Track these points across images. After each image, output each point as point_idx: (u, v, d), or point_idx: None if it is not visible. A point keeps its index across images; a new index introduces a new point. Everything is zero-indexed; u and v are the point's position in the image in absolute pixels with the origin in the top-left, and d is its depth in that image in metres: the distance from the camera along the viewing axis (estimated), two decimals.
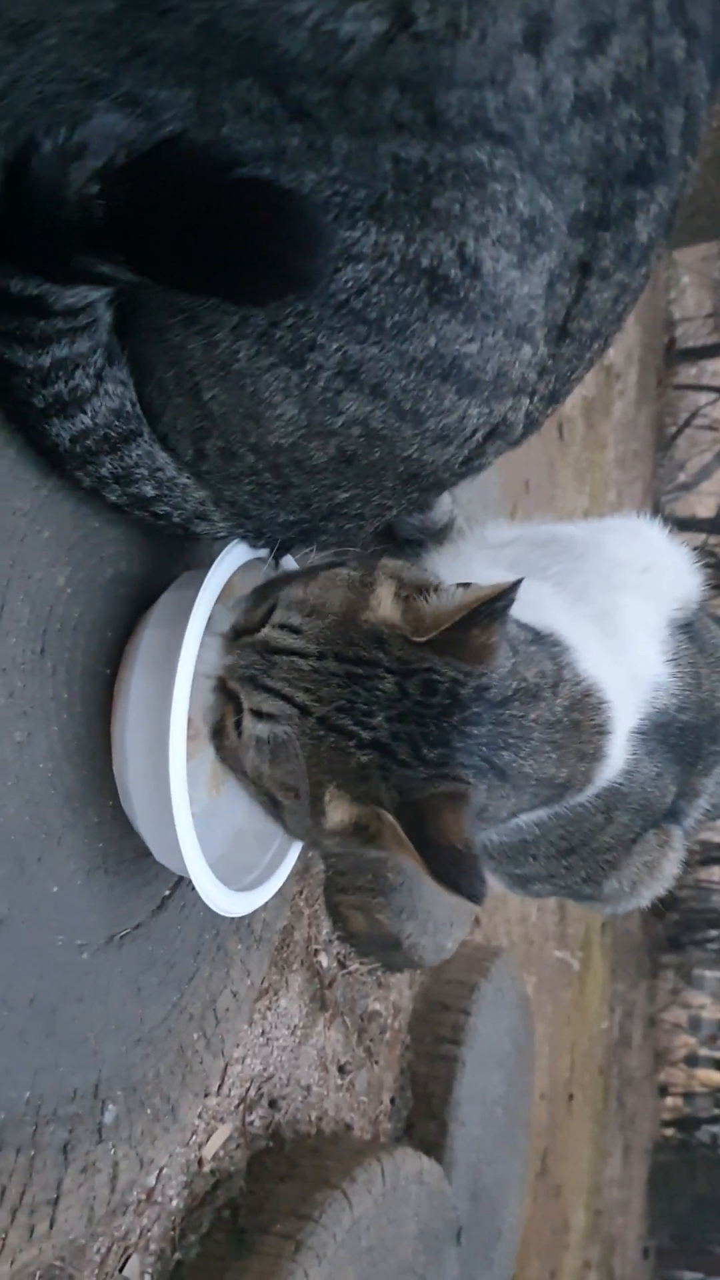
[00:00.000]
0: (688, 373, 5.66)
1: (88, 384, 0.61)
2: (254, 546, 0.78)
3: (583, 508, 3.02)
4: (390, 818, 0.67)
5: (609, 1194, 4.26)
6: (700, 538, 5.86)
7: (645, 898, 1.01)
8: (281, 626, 0.68)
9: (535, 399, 0.70)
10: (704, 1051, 6.47)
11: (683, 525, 5.93)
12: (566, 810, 0.86)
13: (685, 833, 1.01)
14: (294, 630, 0.68)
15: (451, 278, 0.56)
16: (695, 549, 1.08)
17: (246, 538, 0.77)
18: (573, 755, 0.80)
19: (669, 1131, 5.99)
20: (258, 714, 0.68)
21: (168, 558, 0.78)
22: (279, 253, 0.49)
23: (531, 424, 0.73)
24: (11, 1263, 0.67)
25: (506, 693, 0.70)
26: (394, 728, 0.66)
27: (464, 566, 0.96)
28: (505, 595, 0.67)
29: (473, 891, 0.65)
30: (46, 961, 0.70)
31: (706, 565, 1.06)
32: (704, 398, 5.89)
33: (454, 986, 1.63)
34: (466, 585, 0.71)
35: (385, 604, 0.68)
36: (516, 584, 0.66)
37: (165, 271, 0.52)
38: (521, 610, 0.81)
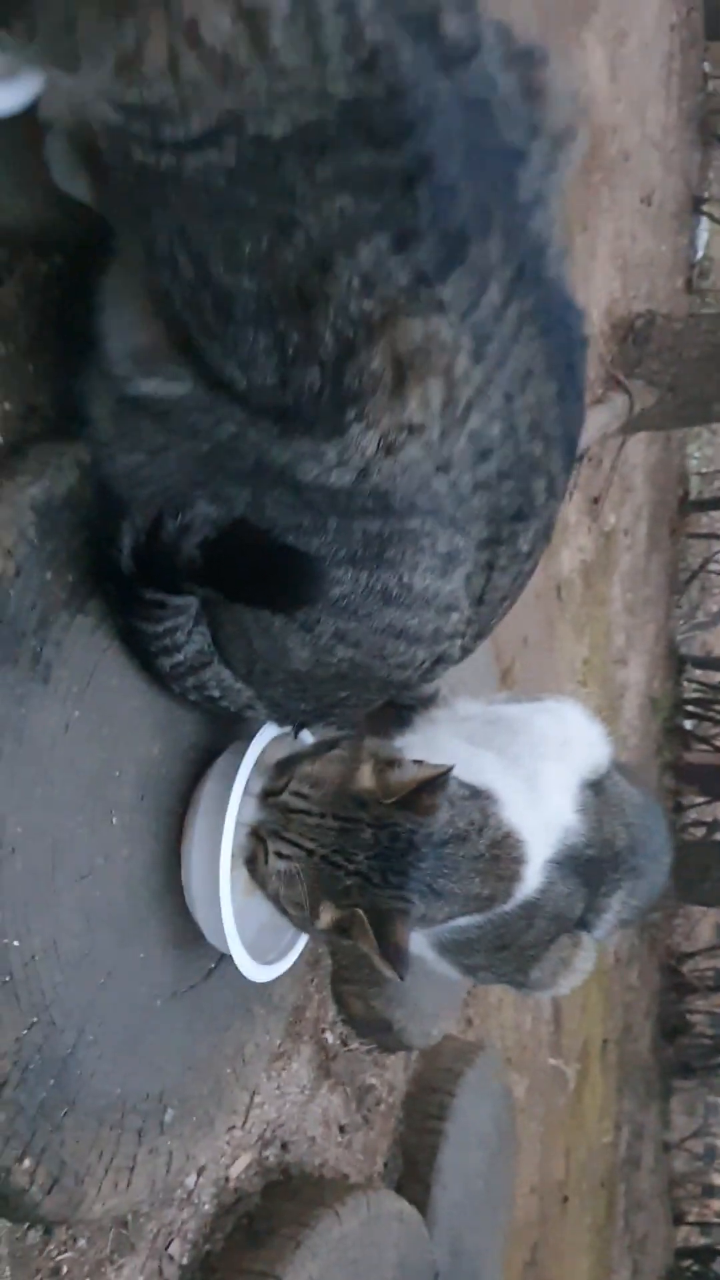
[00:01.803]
0: (700, 521, 6.05)
1: (182, 638, 1.00)
2: (282, 725, 1.16)
3: (582, 657, 3.39)
4: (363, 916, 1.04)
5: None
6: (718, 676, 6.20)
7: (564, 987, 1.36)
8: (296, 793, 1.05)
9: (466, 639, 1.08)
10: None
11: (699, 664, 6.27)
12: (497, 917, 1.22)
13: (595, 939, 1.36)
14: (304, 797, 1.05)
15: (397, 593, 0.95)
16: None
17: (277, 719, 1.15)
18: (494, 878, 1.16)
19: (685, 1262, 6.04)
20: (278, 854, 1.05)
21: (224, 732, 1.16)
22: (296, 586, 0.89)
23: (466, 651, 1.11)
24: (103, 1204, 1.02)
25: (445, 837, 1.07)
26: (370, 863, 1.03)
27: (435, 735, 1.34)
28: (444, 775, 1.04)
29: (399, 973, 1.02)
30: (135, 1005, 1.06)
31: None
32: (718, 544, 6.27)
33: (442, 1073, 1.94)
34: (420, 762, 1.08)
35: (365, 776, 1.05)
36: (450, 769, 1.04)
37: (236, 595, 0.92)
38: (469, 772, 1.19)
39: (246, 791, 1.08)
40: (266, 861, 1.07)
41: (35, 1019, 0.93)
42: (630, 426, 3.24)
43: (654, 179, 4.24)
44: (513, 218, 0.87)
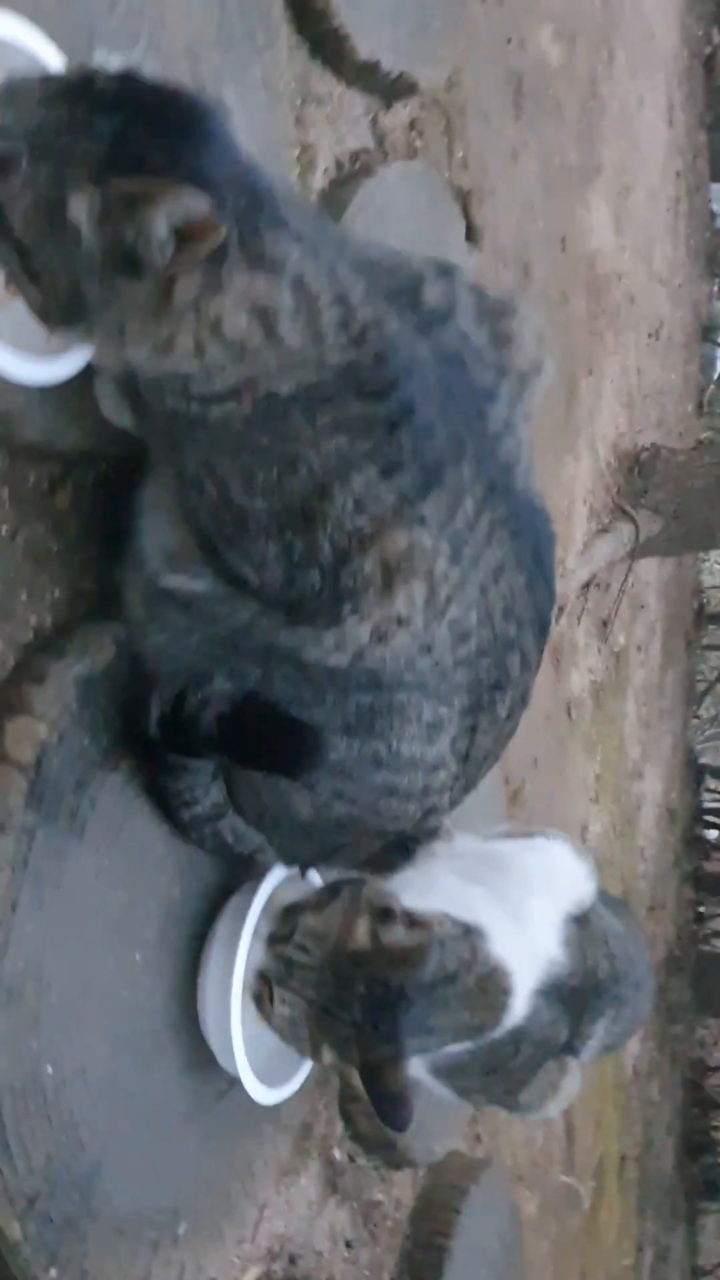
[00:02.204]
0: (716, 634, 6.17)
1: (201, 793, 1.14)
2: (290, 867, 1.29)
3: (595, 773, 3.50)
4: (355, 1075, 1.17)
5: None
6: None
7: (552, 1110, 1.46)
8: (299, 946, 1.17)
9: (454, 792, 1.21)
10: None
11: (717, 774, 6.34)
12: (486, 1043, 1.32)
13: (580, 1064, 1.46)
14: (305, 950, 1.17)
15: (385, 757, 1.08)
16: None
17: (286, 861, 1.28)
18: (483, 1009, 1.27)
19: None
20: (283, 1000, 1.17)
21: (237, 872, 1.29)
22: (299, 756, 1.03)
23: (455, 803, 1.24)
24: None
25: (434, 980, 1.19)
26: (364, 1014, 1.15)
27: (433, 870, 1.46)
28: (429, 944, 1.16)
29: (396, 1124, 1.13)
30: (153, 1124, 1.17)
31: None
32: None
33: (448, 1189, 2.01)
34: (411, 917, 1.18)
35: (361, 934, 1.16)
36: (430, 947, 1.15)
37: (247, 763, 1.07)
38: (461, 907, 1.31)
39: (256, 933, 1.20)
40: (272, 1003, 1.18)
41: (64, 1138, 1.04)
42: (637, 553, 3.40)
43: (662, 313, 4.47)
44: (483, 445, 1.03)
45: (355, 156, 1.75)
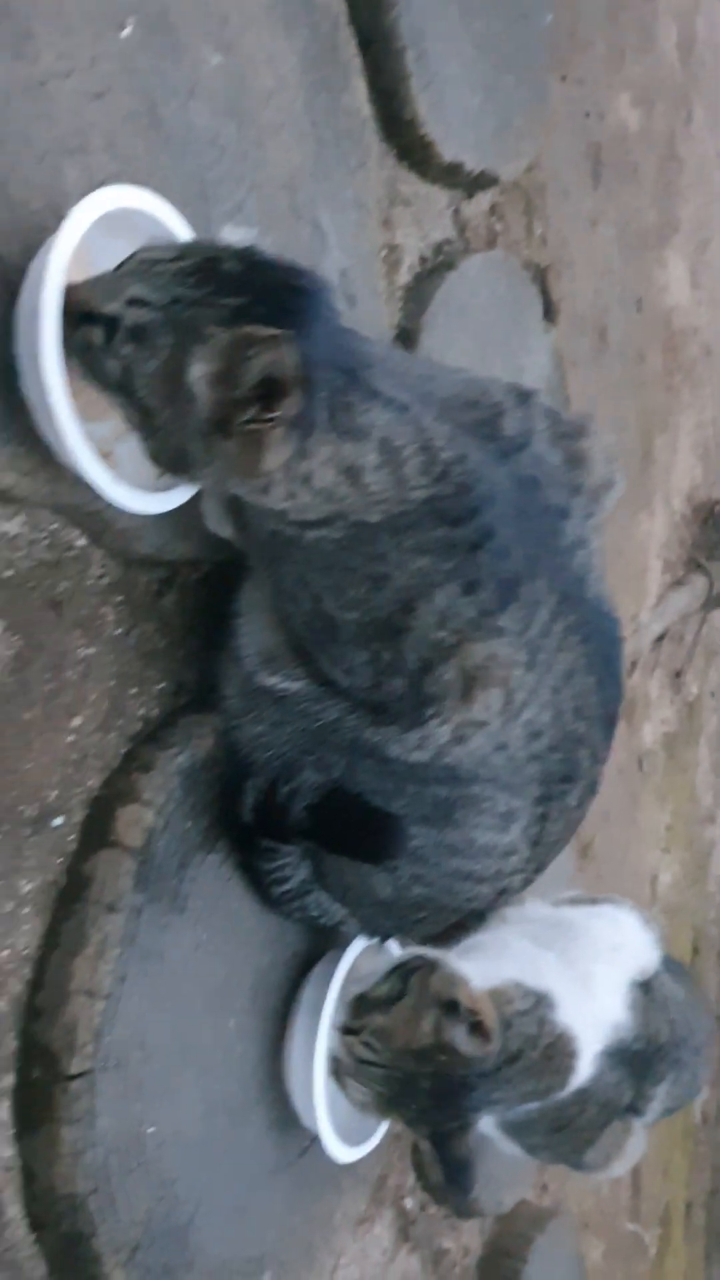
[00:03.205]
0: None
1: (290, 871, 1.23)
2: (370, 938, 1.37)
3: (665, 824, 3.52)
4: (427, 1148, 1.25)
5: None
6: None
7: (616, 1170, 1.52)
8: (366, 1044, 1.25)
9: (526, 874, 1.28)
10: None
11: None
12: (553, 1103, 1.39)
13: (644, 1124, 1.52)
14: (373, 1049, 1.24)
15: (460, 845, 1.16)
16: None
17: (366, 933, 1.36)
18: (550, 1074, 1.34)
19: None
20: (355, 1089, 1.25)
21: (321, 941, 1.38)
22: (382, 845, 1.12)
23: (527, 883, 1.31)
24: None
25: (499, 1064, 1.26)
26: (430, 1103, 1.22)
27: (504, 935, 1.53)
28: (488, 1056, 1.22)
29: (460, 1188, 1.21)
30: (242, 1179, 1.26)
31: None
32: None
33: (515, 1238, 2.07)
34: (474, 1016, 1.24)
35: (426, 1029, 1.23)
36: (491, 1055, 1.22)
37: (335, 849, 1.16)
38: (531, 973, 1.38)
39: (339, 1000, 1.29)
40: (345, 1085, 1.27)
41: (162, 1194, 1.14)
42: (710, 605, 3.43)
43: None
44: (556, 559, 1.11)
45: (438, 249, 1.84)
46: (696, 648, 3.57)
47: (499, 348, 1.86)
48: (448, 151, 1.70)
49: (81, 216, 0.93)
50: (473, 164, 1.77)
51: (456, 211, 1.93)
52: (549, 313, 2.23)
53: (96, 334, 0.93)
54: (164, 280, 0.91)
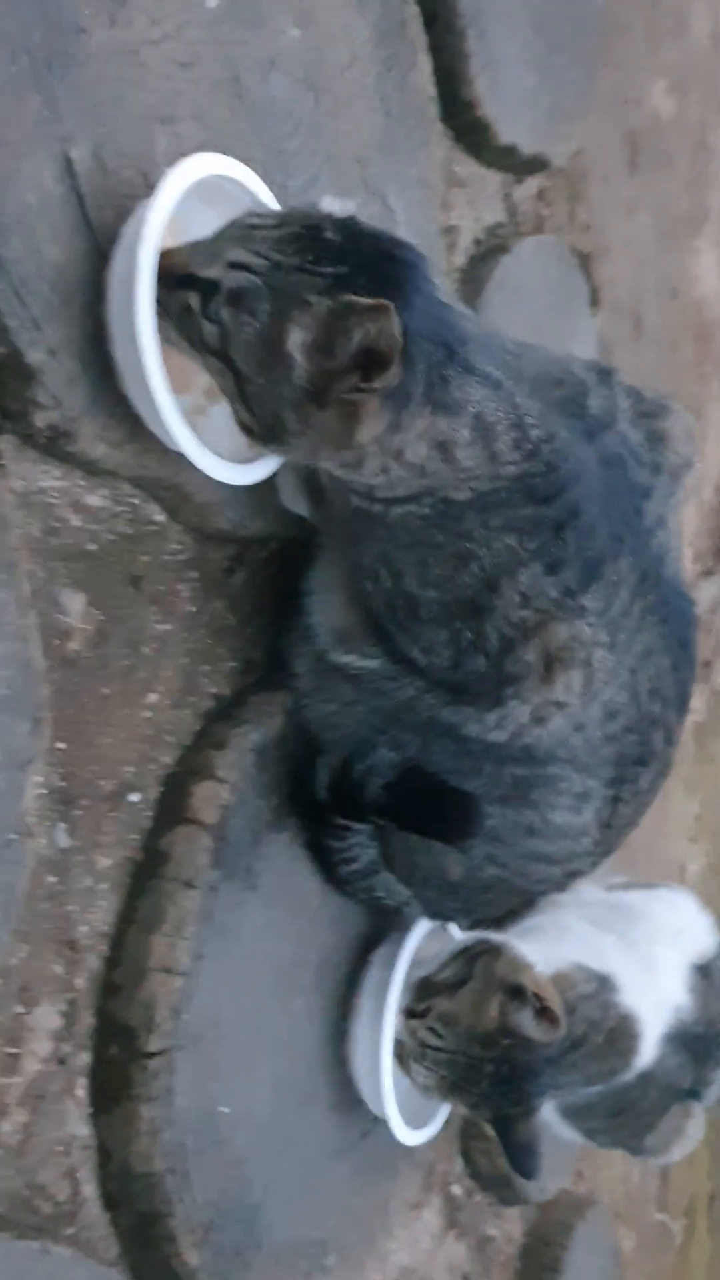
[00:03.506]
0: None
1: (359, 851, 1.22)
2: (433, 920, 1.36)
3: (694, 814, 3.51)
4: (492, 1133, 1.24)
5: None
6: None
7: (676, 1154, 1.52)
8: (431, 1029, 1.24)
9: (595, 856, 1.27)
10: None
11: None
12: (615, 1087, 1.39)
13: (704, 1108, 1.52)
14: (438, 1034, 1.23)
15: (537, 825, 1.15)
16: None
17: (430, 915, 1.35)
18: (614, 1055, 1.33)
19: None
20: (418, 1073, 1.24)
21: (384, 923, 1.37)
22: (461, 825, 1.11)
23: (595, 865, 1.30)
24: None
25: (563, 1049, 1.25)
26: (492, 1088, 1.21)
27: (562, 919, 1.52)
28: (554, 1042, 1.22)
29: (526, 1172, 1.20)
30: (307, 1161, 1.25)
31: None
32: None
33: (556, 1226, 2.06)
34: (540, 1001, 1.23)
35: (492, 1014, 1.22)
36: (556, 1040, 1.21)
37: (411, 829, 1.14)
38: (593, 956, 1.37)
39: (398, 1001, 1.28)
40: (409, 1067, 1.26)
41: (234, 1174, 1.13)
42: None
43: None
44: (638, 539, 1.10)
45: (491, 231, 1.83)
46: None
47: (550, 332, 1.85)
48: (504, 133, 1.69)
49: (179, 179, 0.92)
50: (526, 146, 1.76)
51: (507, 195, 1.91)
52: (594, 299, 2.22)
53: (194, 298, 0.91)
54: (265, 246, 0.90)
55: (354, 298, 0.88)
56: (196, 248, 0.92)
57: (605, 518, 1.06)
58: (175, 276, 0.92)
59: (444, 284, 1.50)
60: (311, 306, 0.89)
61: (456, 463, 0.98)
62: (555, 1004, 1.23)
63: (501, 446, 0.98)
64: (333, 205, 0.93)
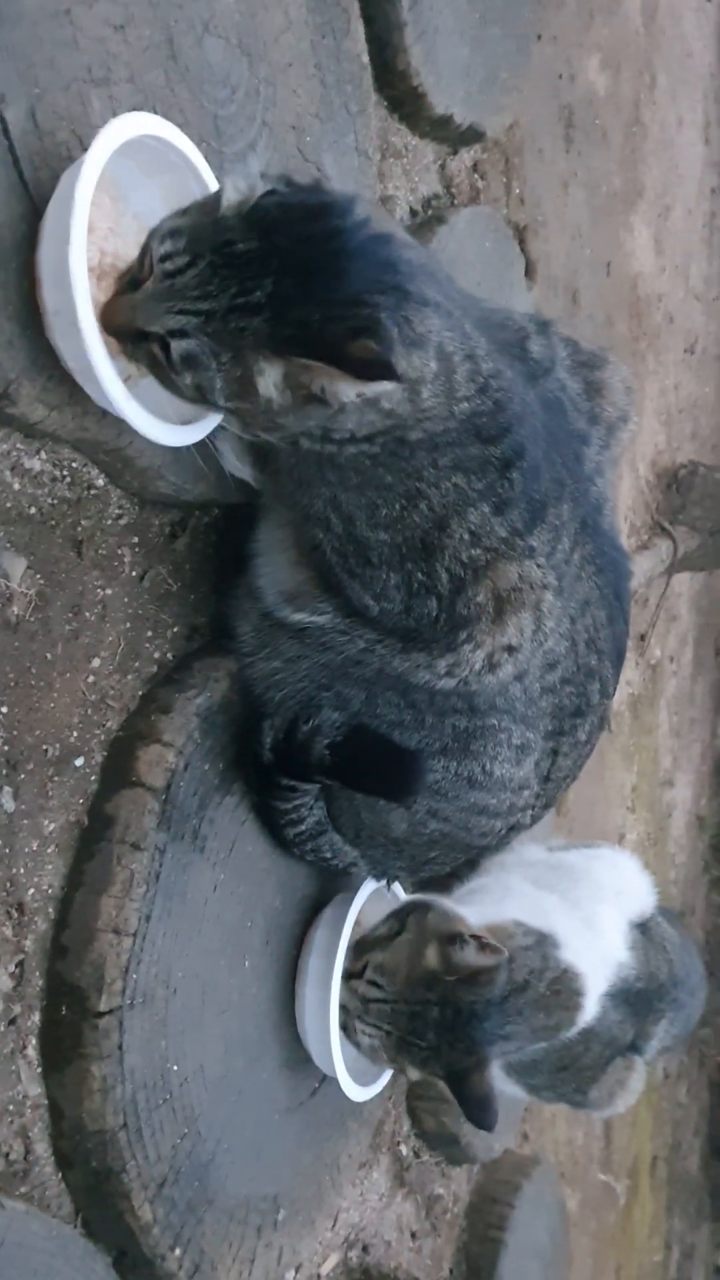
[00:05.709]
0: None
1: (305, 812, 1.24)
2: (379, 880, 1.38)
3: (630, 784, 3.58)
4: (442, 1084, 1.26)
5: None
6: None
7: (620, 1106, 1.56)
8: (371, 983, 1.26)
9: (535, 809, 1.30)
10: None
11: None
12: (559, 1042, 1.42)
13: (645, 1062, 1.56)
14: (378, 986, 1.25)
15: (477, 777, 1.18)
16: None
17: (376, 875, 1.37)
18: (559, 1009, 1.36)
19: None
20: (363, 1031, 1.26)
21: (331, 884, 1.38)
22: (405, 782, 1.13)
23: (535, 819, 1.33)
24: None
25: (505, 993, 1.28)
26: (440, 1036, 1.24)
27: (505, 879, 1.55)
28: (500, 961, 1.24)
29: (484, 1125, 1.22)
30: (258, 1118, 1.27)
31: None
32: None
33: (502, 1185, 2.11)
34: (479, 938, 1.26)
35: (431, 957, 1.25)
36: (499, 969, 1.24)
37: (356, 787, 1.16)
38: (535, 914, 1.40)
39: (342, 963, 1.30)
40: (353, 1031, 1.28)
41: (186, 1130, 1.14)
42: (674, 569, 3.48)
43: (697, 328, 4.54)
44: (578, 486, 1.13)
45: (427, 203, 1.84)
46: (660, 612, 3.62)
47: None
48: (439, 104, 1.70)
49: (110, 135, 0.92)
50: (461, 117, 1.77)
51: (443, 167, 1.93)
52: (530, 271, 2.24)
53: (156, 349, 0.94)
54: (189, 299, 0.90)
55: (302, 361, 0.90)
56: (135, 305, 0.93)
57: (548, 461, 1.08)
58: (128, 334, 0.94)
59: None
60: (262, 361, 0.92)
61: (420, 401, 0.99)
62: (496, 944, 1.26)
63: (459, 379, 1.00)
64: (234, 189, 0.91)
